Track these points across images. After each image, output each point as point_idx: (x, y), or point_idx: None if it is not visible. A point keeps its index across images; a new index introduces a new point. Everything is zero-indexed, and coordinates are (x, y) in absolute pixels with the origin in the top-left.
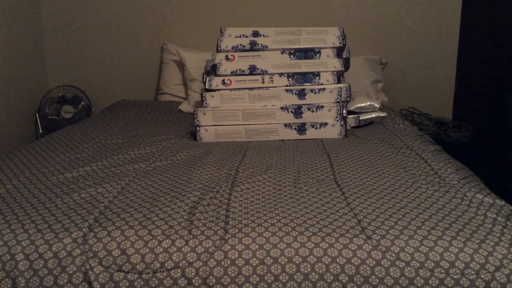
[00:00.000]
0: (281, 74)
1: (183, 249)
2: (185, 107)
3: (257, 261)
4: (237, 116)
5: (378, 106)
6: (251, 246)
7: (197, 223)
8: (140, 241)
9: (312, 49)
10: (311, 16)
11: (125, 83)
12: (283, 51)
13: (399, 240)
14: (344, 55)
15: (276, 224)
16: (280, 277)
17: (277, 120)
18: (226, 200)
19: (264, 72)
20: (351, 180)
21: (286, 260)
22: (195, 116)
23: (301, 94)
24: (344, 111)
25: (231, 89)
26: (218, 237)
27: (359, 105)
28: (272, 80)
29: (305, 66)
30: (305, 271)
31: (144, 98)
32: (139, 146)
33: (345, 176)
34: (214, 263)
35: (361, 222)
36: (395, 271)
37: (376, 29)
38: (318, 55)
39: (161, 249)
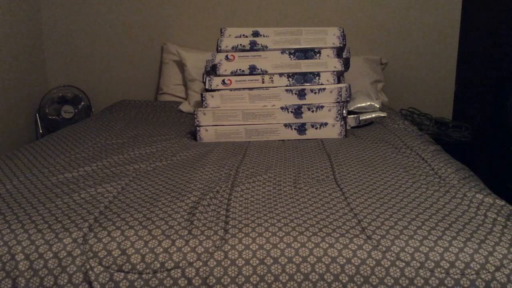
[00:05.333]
0: (281, 74)
1: (183, 249)
2: (185, 107)
3: (257, 261)
4: (237, 116)
5: (378, 106)
6: (251, 246)
7: (197, 223)
8: (140, 241)
9: (312, 49)
10: (311, 16)
11: (125, 83)
12: (283, 51)
13: (399, 240)
14: (344, 55)
15: (276, 224)
16: (280, 277)
17: (277, 120)
18: (226, 200)
19: (264, 72)
20: (351, 180)
21: (286, 260)
22: (195, 116)
23: (301, 94)
24: (344, 111)
25: (231, 89)
26: (218, 237)
27: (359, 105)
28: (272, 80)
29: (305, 66)
30: (305, 271)
31: (144, 98)
32: (139, 146)
33: (345, 176)
34: (214, 263)
35: (361, 222)
36: (395, 271)
37: (376, 29)
38: (318, 55)
39: (161, 249)
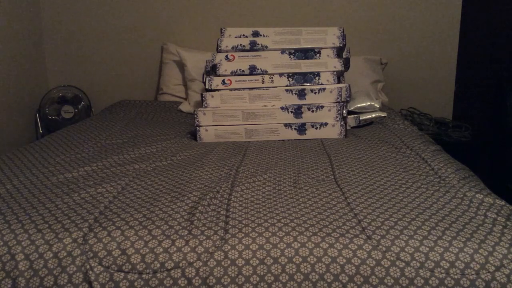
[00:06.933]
0: (281, 74)
1: (183, 249)
2: (185, 107)
3: (257, 261)
4: (237, 116)
5: (378, 106)
6: (251, 246)
7: (197, 223)
8: (140, 241)
9: (312, 49)
10: (311, 16)
11: (125, 83)
12: (283, 51)
13: (399, 240)
14: (344, 55)
15: (276, 224)
16: (280, 277)
17: (277, 120)
18: (226, 200)
19: (264, 72)
20: (351, 180)
21: (286, 260)
22: (195, 116)
23: (301, 94)
24: (344, 111)
25: (231, 89)
26: (218, 237)
27: (359, 105)
28: (272, 80)
29: (305, 66)
30: (305, 271)
31: (144, 98)
32: (139, 146)
33: (345, 176)
34: (214, 263)
35: (361, 222)
36: (395, 271)
37: (376, 29)
38: (318, 55)
39: (161, 249)
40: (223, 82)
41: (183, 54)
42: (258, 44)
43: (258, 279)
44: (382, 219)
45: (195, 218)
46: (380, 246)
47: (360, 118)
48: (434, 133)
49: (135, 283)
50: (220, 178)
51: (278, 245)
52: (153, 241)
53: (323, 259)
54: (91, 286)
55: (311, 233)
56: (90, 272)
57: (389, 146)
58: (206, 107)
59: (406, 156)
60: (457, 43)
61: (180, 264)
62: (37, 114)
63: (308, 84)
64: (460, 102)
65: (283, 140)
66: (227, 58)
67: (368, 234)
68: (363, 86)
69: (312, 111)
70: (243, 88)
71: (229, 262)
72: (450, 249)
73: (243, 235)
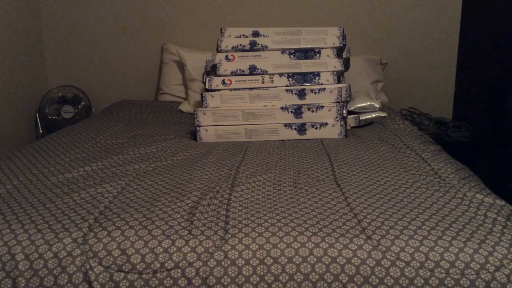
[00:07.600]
0: (281, 74)
1: (183, 249)
2: (185, 107)
3: (257, 261)
4: (237, 116)
5: (378, 106)
6: (251, 246)
7: (197, 223)
8: (140, 241)
9: (312, 49)
10: (311, 16)
11: (125, 83)
12: (283, 51)
13: (399, 240)
14: (344, 55)
15: (276, 224)
16: (280, 277)
17: (277, 120)
18: (226, 200)
19: (264, 72)
20: (351, 180)
21: (286, 260)
22: (195, 116)
23: (301, 94)
24: (344, 111)
25: (231, 89)
26: (218, 237)
27: (359, 105)
28: (272, 80)
29: (305, 66)
30: (305, 271)
31: (144, 98)
32: (139, 146)
33: (345, 176)
34: (214, 263)
35: (361, 222)
36: (395, 271)
37: (376, 29)
38: (318, 55)
39: (161, 249)
40: (223, 82)
41: (183, 54)
42: (258, 44)
43: (258, 279)
44: (382, 219)
45: (195, 218)
46: (380, 246)
47: (360, 118)
48: (434, 133)
49: (135, 283)
50: (220, 178)
51: (278, 245)
52: (153, 241)
53: (323, 259)
54: (91, 286)
55: (311, 233)
56: (90, 272)
57: (389, 146)
58: (206, 107)
59: (406, 156)
60: (457, 43)
61: (180, 264)
62: (37, 114)
63: (308, 84)
64: (460, 102)
65: (283, 140)
66: (227, 58)
67: (368, 234)
68: (363, 86)
69: (312, 111)
70: (243, 88)
71: (229, 262)
72: (450, 249)
73: (243, 235)
